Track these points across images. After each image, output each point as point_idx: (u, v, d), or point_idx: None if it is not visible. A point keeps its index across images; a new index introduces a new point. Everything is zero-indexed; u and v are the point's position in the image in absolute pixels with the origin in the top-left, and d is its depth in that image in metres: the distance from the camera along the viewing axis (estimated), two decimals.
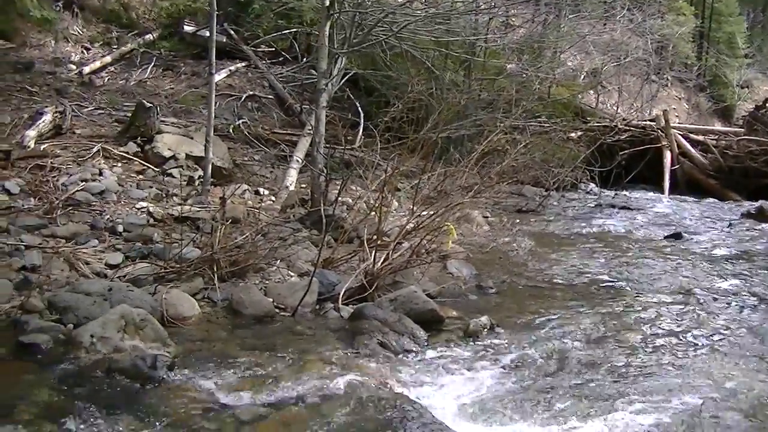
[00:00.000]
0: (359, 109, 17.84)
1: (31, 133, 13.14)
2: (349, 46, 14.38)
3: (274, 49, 19.86)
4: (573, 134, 21.11)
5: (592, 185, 20.47)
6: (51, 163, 12.30)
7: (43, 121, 13.70)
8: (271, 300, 9.21)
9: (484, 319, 8.66)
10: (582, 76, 26.90)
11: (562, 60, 23.50)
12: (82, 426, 6.09)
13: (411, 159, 11.97)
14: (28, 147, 12.68)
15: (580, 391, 7.09)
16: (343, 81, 15.75)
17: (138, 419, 6.23)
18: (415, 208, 11.26)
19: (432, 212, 11.05)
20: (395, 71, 17.46)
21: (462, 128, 16.39)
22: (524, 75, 18.97)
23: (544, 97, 19.97)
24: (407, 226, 10.83)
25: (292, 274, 10.11)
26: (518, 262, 11.91)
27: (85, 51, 19.02)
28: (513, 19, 23.71)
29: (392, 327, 8.35)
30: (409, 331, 8.38)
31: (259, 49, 19.72)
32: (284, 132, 16.97)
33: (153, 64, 18.84)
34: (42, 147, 12.93)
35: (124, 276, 9.30)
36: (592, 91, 26.66)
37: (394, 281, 9.95)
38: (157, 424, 6.17)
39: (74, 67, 17.83)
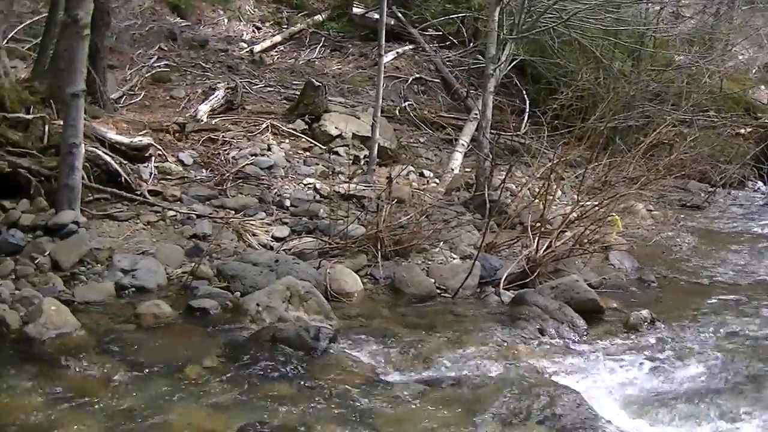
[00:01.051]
0: (525, 95, 17.78)
1: (204, 107, 13.72)
2: (518, 32, 14.40)
3: (441, 32, 19.96)
4: (742, 130, 20.31)
5: (760, 184, 19.70)
6: (222, 136, 12.82)
7: (216, 97, 14.28)
8: (432, 281, 9.41)
9: (645, 312, 8.58)
10: (754, 71, 25.84)
11: (734, 53, 22.58)
12: (244, 389, 6.41)
13: (577, 148, 11.89)
14: (201, 121, 13.26)
15: (742, 392, 6.98)
16: (510, 67, 15.77)
17: (297, 387, 6.54)
18: (579, 198, 11.22)
19: (596, 202, 11.00)
20: (563, 59, 17.32)
21: (629, 119, 16.12)
22: (694, 67, 18.41)
23: (714, 90, 19.30)
24: (571, 215, 10.82)
25: (454, 256, 10.26)
26: (681, 258, 11.66)
27: (256, 30, 19.64)
28: (684, 10, 23.00)
29: (552, 315, 8.41)
30: (569, 319, 8.41)
31: (426, 33, 19.85)
32: (449, 116, 17.06)
33: (321, 44, 19.23)
34: (214, 121, 13.48)
35: (290, 249, 9.68)
36: (763, 87, 25.58)
37: (556, 269, 10.01)
38: (316, 393, 6.43)
39: (245, 45, 18.43)
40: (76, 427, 5.64)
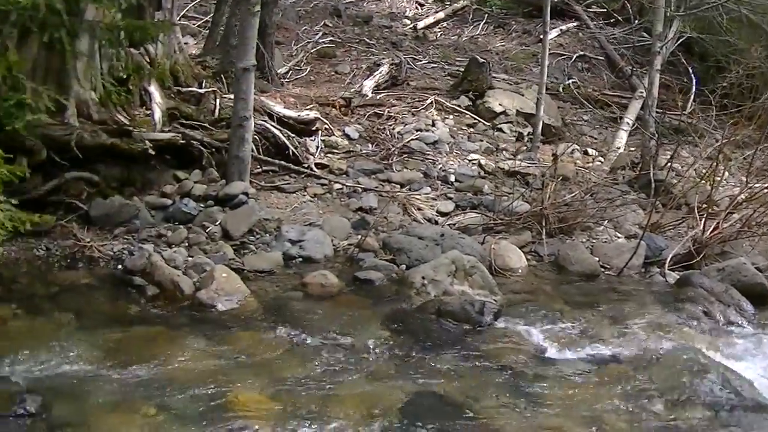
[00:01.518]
0: (692, 74, 17.24)
1: (369, 83, 13.89)
2: (685, 8, 14.00)
3: (605, 10, 19.56)
4: None
5: None
6: (387, 112, 12.92)
7: (380, 72, 14.43)
8: (597, 259, 9.34)
9: None
10: None
11: None
12: (409, 360, 6.53)
13: (746, 128, 11.50)
14: (367, 96, 13.41)
15: None
16: (677, 44, 15.40)
17: (462, 360, 6.59)
18: (748, 179, 10.86)
19: (766, 184, 10.60)
20: (732, 36, 16.69)
21: None
22: None
23: None
24: (739, 197, 10.48)
25: (618, 235, 10.14)
26: None
27: (419, 6, 19.72)
28: None
29: (718, 297, 8.21)
30: (736, 302, 8.21)
31: (590, 10, 19.51)
32: (614, 94, 16.73)
33: (484, 21, 19.14)
34: (379, 96, 13.61)
35: (454, 224, 9.73)
36: None
37: (722, 251, 9.70)
38: (481, 366, 6.49)
39: (409, 21, 18.53)
40: (246, 389, 5.84)
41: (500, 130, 13.48)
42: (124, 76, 9.80)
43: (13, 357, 6.02)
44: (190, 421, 5.40)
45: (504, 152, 12.39)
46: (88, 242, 8.20)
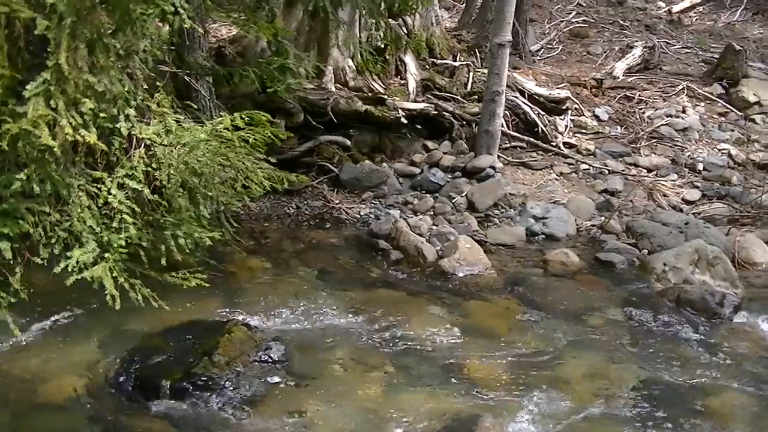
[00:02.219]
0: None
1: (621, 65, 13.44)
2: None
3: None
4: None
5: None
6: (638, 95, 12.44)
7: (633, 55, 13.95)
8: None
9: None
10: None
11: None
12: (644, 344, 6.24)
13: None
14: (617, 78, 12.96)
15: None
16: None
17: (699, 350, 6.24)
18: None
19: None
20: None
21: None
22: None
23: None
24: None
25: None
26: None
27: None
28: None
29: None
30: None
31: None
32: None
33: (743, 7, 18.07)
34: (630, 79, 13.15)
35: (699, 213, 9.19)
36: None
37: None
38: (718, 360, 6.10)
39: (663, 5, 17.79)
40: (478, 358, 5.80)
41: (753, 120, 12.65)
42: (382, 46, 9.88)
43: (260, 307, 6.24)
44: (425, 382, 5.43)
45: (756, 144, 11.61)
46: (337, 204, 8.39)
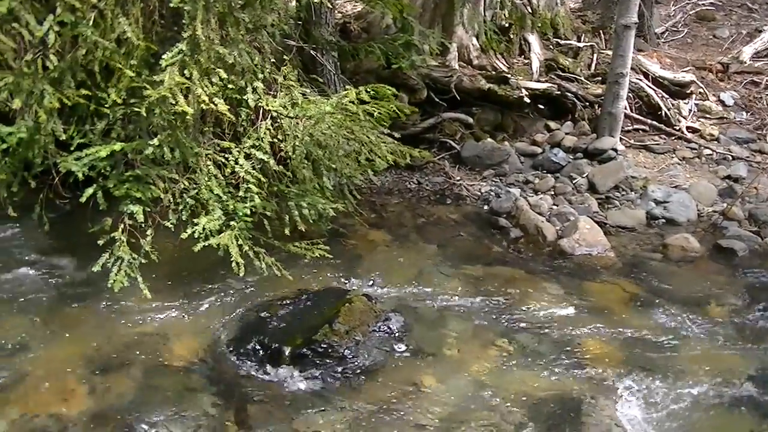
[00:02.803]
0: None
1: (748, 49, 12.85)
2: None
3: None
4: None
5: None
6: (765, 81, 11.89)
7: (761, 39, 13.30)
8: None
9: None
10: None
11: None
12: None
13: None
14: (744, 63, 12.42)
15: None
16: None
17: None
18: None
19: None
20: None
21: None
22: None
23: None
24: None
25: None
26: None
27: None
28: None
29: None
30: None
31: None
32: None
33: None
34: (757, 64, 12.56)
35: None
36: None
37: None
38: None
39: None
40: (593, 337, 5.68)
41: None
42: (506, 25, 9.73)
43: (380, 278, 6.22)
44: (539, 360, 5.35)
45: None
46: (458, 180, 8.30)
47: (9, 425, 4.41)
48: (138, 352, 5.12)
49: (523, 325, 5.75)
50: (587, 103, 9.60)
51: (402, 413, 4.68)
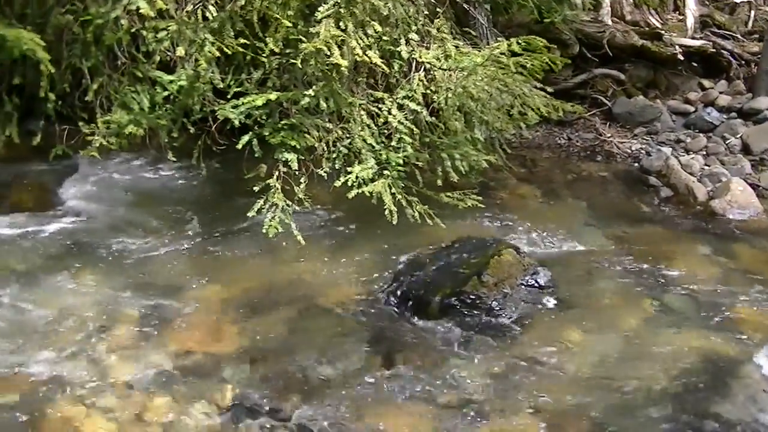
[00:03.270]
0: None
1: None
2: None
3: None
4: None
5: None
6: None
7: None
8: None
9: None
10: None
11: None
12: None
13: None
14: None
15: None
16: None
17: None
18: None
19: None
20: None
21: None
22: None
23: None
24: None
25: None
26: None
27: None
28: None
29: None
30: None
31: None
32: None
33: None
34: None
35: None
36: None
37: None
38: None
39: None
40: (744, 303, 5.41)
41: None
42: None
43: (529, 232, 6.13)
44: (688, 321, 5.14)
45: None
46: (608, 137, 8.13)
47: (167, 358, 4.53)
48: (289, 296, 5.18)
49: (671, 285, 5.55)
50: (743, 62, 9.25)
51: (548, 367, 4.58)
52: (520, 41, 5.83)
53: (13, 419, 3.98)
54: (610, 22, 8.69)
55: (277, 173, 5.34)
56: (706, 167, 7.56)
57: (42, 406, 4.05)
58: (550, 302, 5.18)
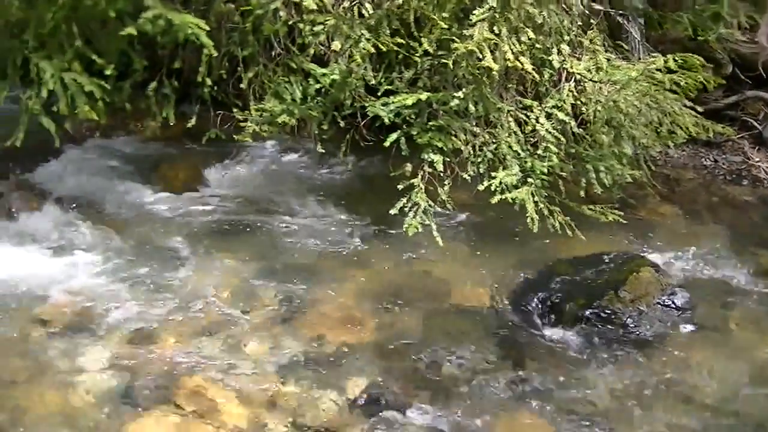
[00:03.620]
0: None
1: None
2: None
3: None
4: None
5: None
6: None
7: None
8: None
9: None
10: None
11: None
12: None
13: None
14: None
15: None
16: None
17: None
18: None
19: None
20: None
21: None
22: None
23: None
24: None
25: None
26: None
27: None
28: None
29: None
30: None
31: None
32: None
33: None
34: None
35: None
36: None
37: None
38: None
39: None
40: None
41: None
42: None
43: (668, 252, 5.98)
44: None
45: None
46: (757, 161, 7.84)
47: (300, 343, 4.65)
48: (423, 294, 5.24)
49: None
50: None
51: (679, 389, 4.51)
52: (676, 58, 5.72)
53: (152, 390, 4.17)
54: (766, 44, 8.37)
55: (421, 173, 5.35)
56: None
57: (179, 381, 4.22)
58: (686, 324, 5.09)
